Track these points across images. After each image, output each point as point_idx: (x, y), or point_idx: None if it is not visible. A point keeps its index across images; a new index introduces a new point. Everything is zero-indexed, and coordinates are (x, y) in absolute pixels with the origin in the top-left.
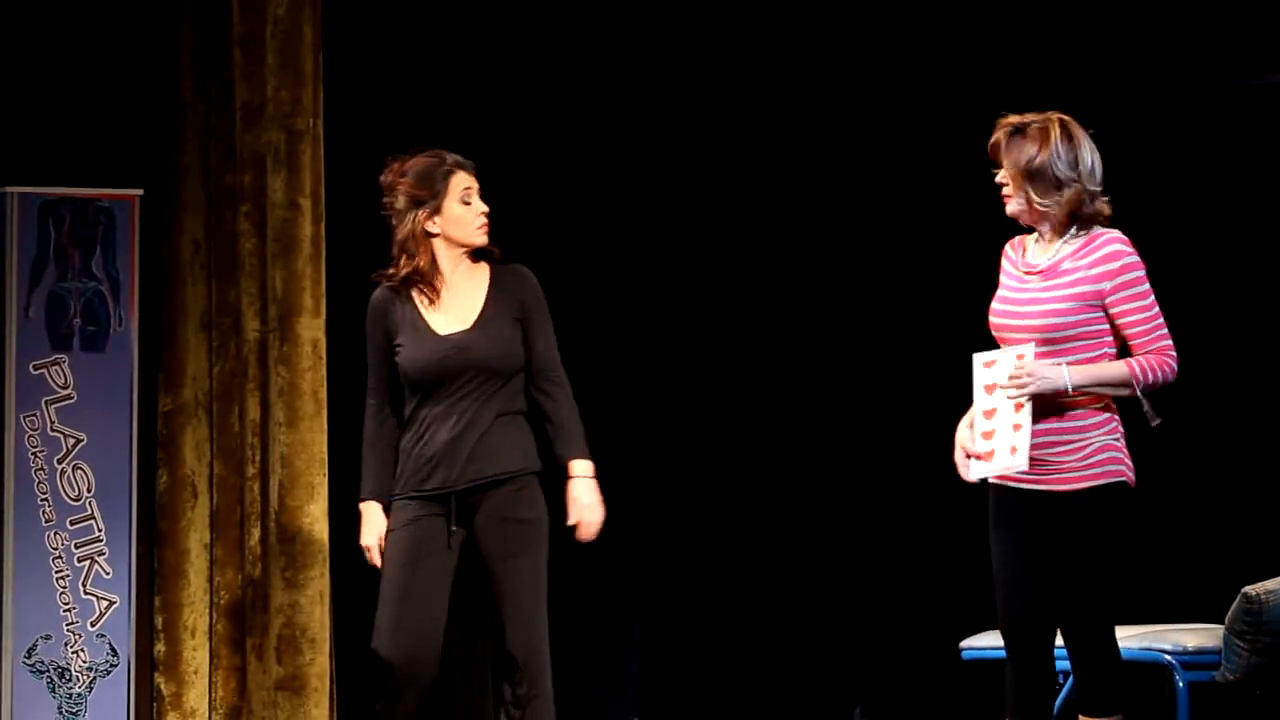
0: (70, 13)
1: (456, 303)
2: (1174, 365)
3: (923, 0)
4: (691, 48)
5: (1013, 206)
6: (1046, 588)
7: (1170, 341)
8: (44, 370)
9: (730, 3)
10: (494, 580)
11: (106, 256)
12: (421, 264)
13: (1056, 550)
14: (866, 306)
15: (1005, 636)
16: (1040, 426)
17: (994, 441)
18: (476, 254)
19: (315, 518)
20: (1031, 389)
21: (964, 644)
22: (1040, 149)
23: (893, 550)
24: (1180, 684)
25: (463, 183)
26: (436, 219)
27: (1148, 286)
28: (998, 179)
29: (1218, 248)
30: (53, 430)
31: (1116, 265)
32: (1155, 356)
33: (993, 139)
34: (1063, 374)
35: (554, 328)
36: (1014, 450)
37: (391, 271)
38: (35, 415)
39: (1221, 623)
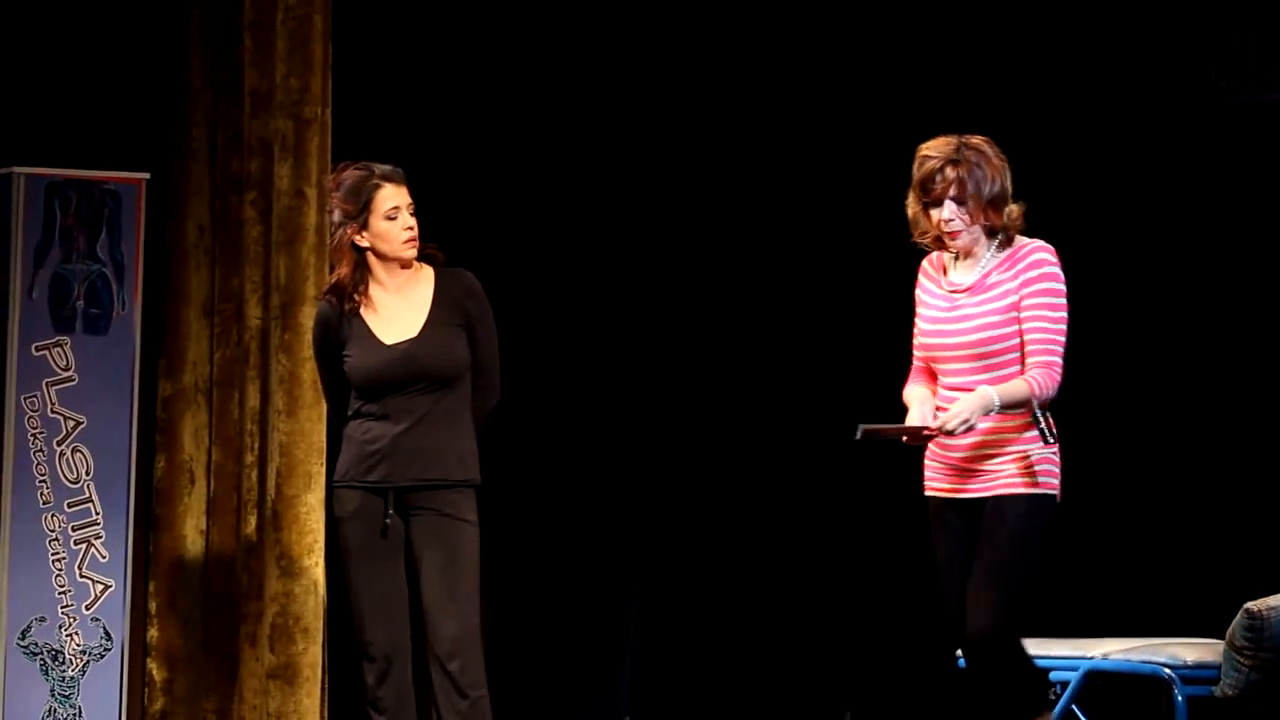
0: None
1: (401, 311)
2: (1059, 379)
3: (925, 11)
4: (689, 50)
5: (965, 239)
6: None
7: (1059, 359)
8: (45, 352)
9: (712, 4)
10: (431, 570)
11: (111, 239)
12: (343, 275)
13: (980, 551)
14: (873, 309)
15: (963, 649)
16: (978, 439)
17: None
18: (420, 258)
19: (312, 507)
20: (973, 421)
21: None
22: (993, 173)
23: (891, 555)
24: (1179, 698)
25: (388, 199)
26: (364, 234)
27: (1062, 301)
28: (944, 214)
29: (1221, 259)
30: (53, 412)
31: (1035, 273)
32: (1043, 371)
33: (929, 171)
34: (990, 393)
35: (562, 329)
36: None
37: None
38: (36, 396)
39: (1222, 638)
